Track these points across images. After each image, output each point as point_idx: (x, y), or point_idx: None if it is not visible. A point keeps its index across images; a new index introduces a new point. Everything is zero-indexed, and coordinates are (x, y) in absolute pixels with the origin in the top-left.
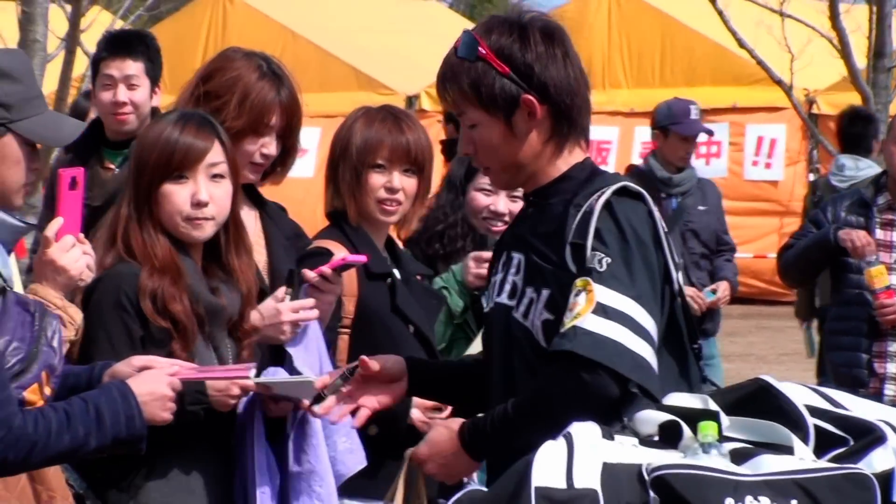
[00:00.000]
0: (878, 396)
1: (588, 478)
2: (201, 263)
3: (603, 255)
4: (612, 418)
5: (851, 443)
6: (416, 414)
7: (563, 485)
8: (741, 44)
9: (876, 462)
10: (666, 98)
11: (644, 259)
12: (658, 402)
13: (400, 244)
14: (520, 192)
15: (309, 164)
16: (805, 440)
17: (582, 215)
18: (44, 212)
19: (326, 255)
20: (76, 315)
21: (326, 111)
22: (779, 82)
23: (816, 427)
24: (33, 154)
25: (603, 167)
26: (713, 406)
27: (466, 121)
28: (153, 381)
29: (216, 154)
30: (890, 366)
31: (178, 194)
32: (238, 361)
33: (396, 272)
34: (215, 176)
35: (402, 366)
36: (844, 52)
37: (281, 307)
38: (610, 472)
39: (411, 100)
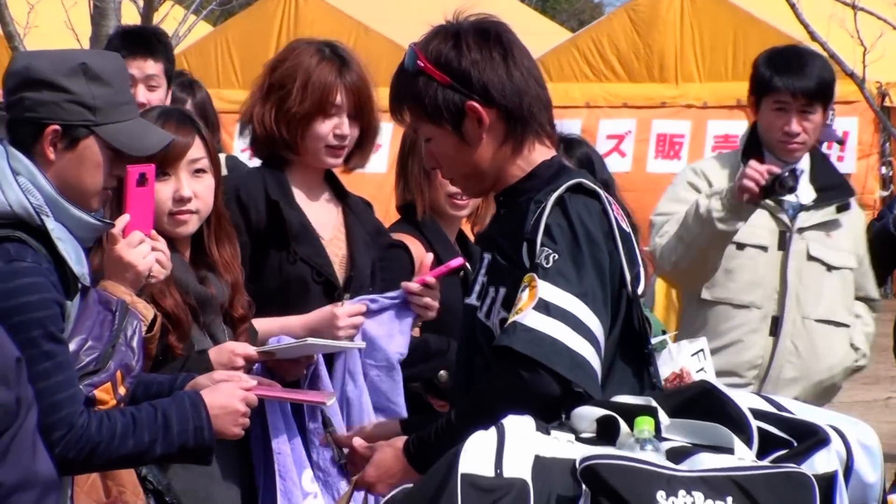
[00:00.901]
0: None
1: (518, 468)
2: (189, 256)
3: (550, 252)
4: (552, 416)
5: (795, 445)
6: (357, 441)
7: (490, 473)
8: (813, 37)
9: (818, 464)
10: (738, 91)
11: (593, 258)
12: (600, 400)
13: (472, 238)
14: None
15: (382, 159)
16: (748, 442)
17: (538, 211)
18: (114, 208)
19: (405, 253)
20: (147, 311)
21: None
22: (851, 75)
23: (760, 429)
24: (116, 160)
25: (675, 161)
26: (653, 404)
27: (422, 135)
28: (227, 394)
29: (197, 150)
30: None
31: (161, 192)
32: None
33: (468, 266)
34: (197, 171)
35: (395, 430)
36: None
37: (337, 311)
38: (542, 465)
39: None
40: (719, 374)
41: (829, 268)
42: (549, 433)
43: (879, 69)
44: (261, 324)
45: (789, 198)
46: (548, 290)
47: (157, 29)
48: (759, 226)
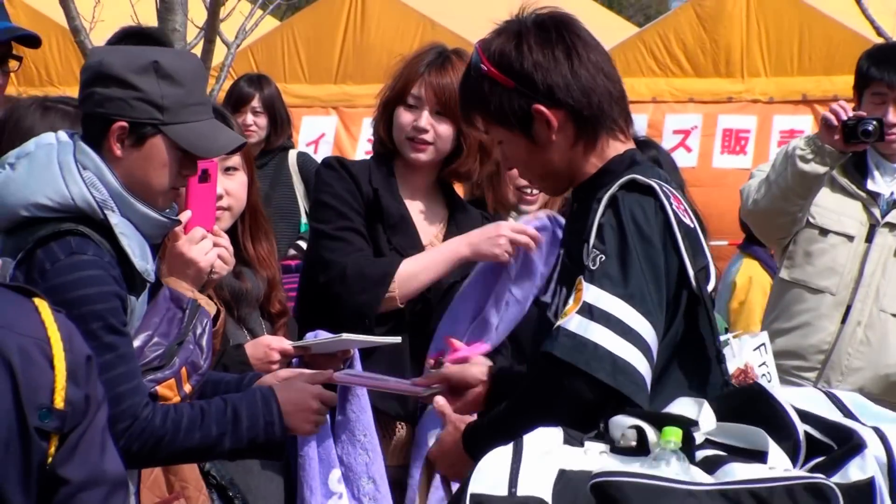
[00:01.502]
0: None
1: (535, 485)
2: None
3: (599, 253)
4: (592, 424)
5: (835, 450)
6: (440, 400)
7: (504, 492)
8: (879, 32)
9: (852, 472)
10: (804, 86)
11: (645, 257)
12: (641, 409)
13: None
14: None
15: None
16: (795, 448)
17: (595, 211)
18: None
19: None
20: (210, 306)
21: None
22: None
23: (807, 434)
24: (186, 160)
25: (741, 157)
26: (704, 411)
27: (494, 138)
28: (300, 392)
29: None
30: None
31: None
32: None
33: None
34: (229, 169)
35: (484, 372)
36: None
37: (501, 224)
38: (567, 480)
39: None
40: (786, 354)
41: None
42: (582, 444)
43: None
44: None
45: (883, 191)
46: (592, 293)
47: (154, 30)
48: (848, 215)
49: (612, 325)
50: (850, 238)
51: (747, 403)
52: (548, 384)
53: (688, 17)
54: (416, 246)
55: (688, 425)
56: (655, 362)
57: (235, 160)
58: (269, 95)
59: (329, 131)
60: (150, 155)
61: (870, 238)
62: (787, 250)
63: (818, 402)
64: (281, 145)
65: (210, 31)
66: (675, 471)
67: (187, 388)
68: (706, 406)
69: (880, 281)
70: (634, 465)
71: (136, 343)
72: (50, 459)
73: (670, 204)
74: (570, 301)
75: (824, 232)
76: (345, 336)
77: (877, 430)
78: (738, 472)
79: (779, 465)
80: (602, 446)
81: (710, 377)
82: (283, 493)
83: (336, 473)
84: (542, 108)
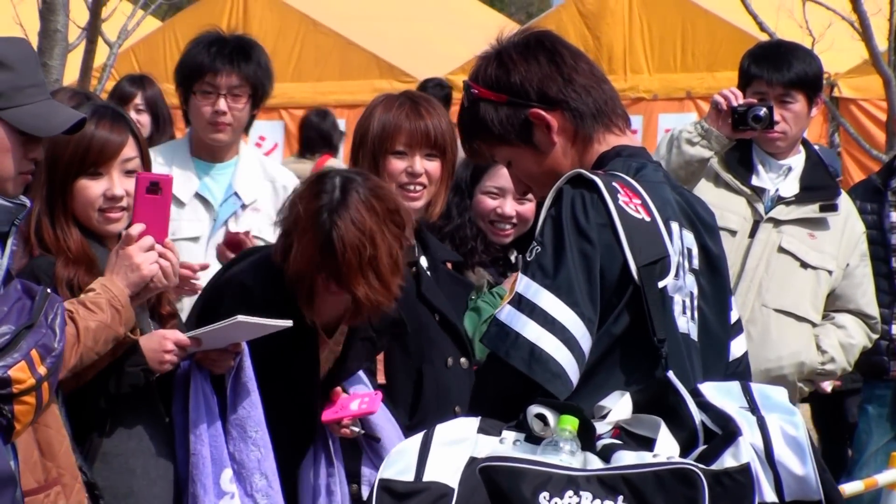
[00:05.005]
0: None
1: (442, 471)
2: None
3: (536, 245)
4: (517, 413)
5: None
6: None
7: (410, 477)
8: (762, 28)
9: (727, 460)
10: (687, 83)
11: (580, 250)
12: (557, 400)
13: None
14: (529, 196)
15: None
16: (693, 436)
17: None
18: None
19: None
20: (131, 318)
21: (347, 99)
22: None
23: (703, 423)
24: (29, 143)
25: None
26: (622, 402)
27: (502, 161)
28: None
29: (130, 149)
30: None
31: (92, 189)
32: None
33: (424, 260)
34: (129, 171)
35: None
36: (865, 35)
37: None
38: (475, 467)
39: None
40: None
41: (804, 265)
42: (499, 433)
43: (828, 60)
44: None
45: (768, 187)
46: (523, 284)
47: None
48: (731, 210)
49: (535, 316)
50: (733, 233)
51: (659, 394)
52: (480, 373)
53: (570, 14)
54: None
55: (578, 416)
56: (588, 354)
57: (136, 163)
58: (151, 95)
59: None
60: None
61: (753, 233)
62: None
63: (732, 393)
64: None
65: (92, 31)
66: (565, 457)
67: (42, 370)
68: (626, 397)
69: (763, 276)
70: (528, 452)
71: None
72: None
73: (615, 199)
74: (508, 292)
75: None
76: (240, 318)
77: (759, 419)
78: (624, 458)
79: (663, 452)
80: (518, 435)
81: (655, 371)
82: (168, 496)
83: (228, 473)
84: (539, 111)
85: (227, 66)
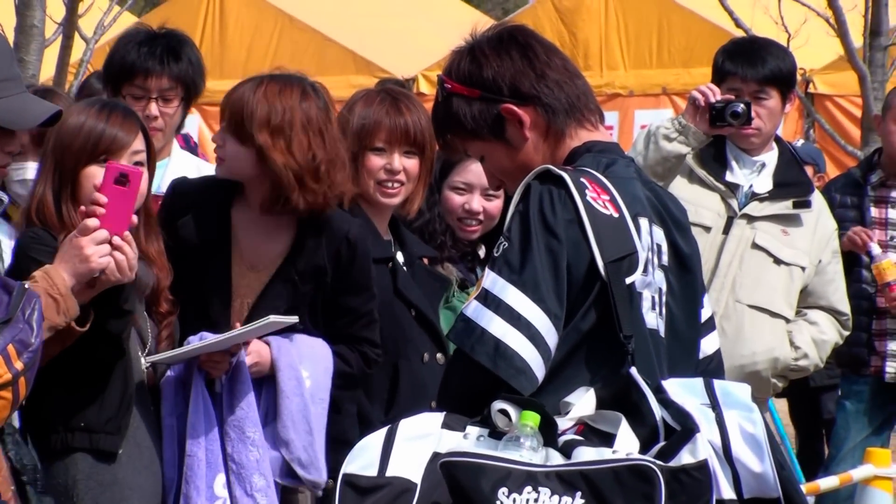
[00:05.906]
0: (878, 375)
1: (404, 466)
2: None
3: (503, 240)
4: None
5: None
6: None
7: (373, 472)
8: (738, 24)
9: (684, 456)
10: (663, 79)
11: (546, 246)
12: (521, 396)
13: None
14: (497, 192)
15: None
16: (653, 432)
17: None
18: None
19: None
20: (72, 308)
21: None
22: None
23: (664, 420)
24: (5, 137)
25: None
26: (585, 398)
27: (475, 156)
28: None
29: (139, 143)
30: (891, 344)
31: (98, 179)
32: (158, 340)
33: (400, 255)
34: (137, 164)
35: None
36: (841, 31)
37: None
38: (437, 462)
39: (408, 83)
40: None
41: (777, 261)
42: (463, 429)
43: (803, 56)
44: None
45: (742, 183)
46: (490, 279)
47: None
48: (705, 206)
49: (501, 311)
50: (707, 229)
51: (623, 390)
52: (448, 369)
53: (546, 10)
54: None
55: (539, 411)
56: (555, 350)
57: (143, 157)
58: None
59: (192, 130)
60: None
61: (727, 230)
62: None
63: (695, 390)
64: None
65: (68, 26)
66: (526, 453)
67: (18, 364)
68: (590, 393)
69: (737, 272)
70: (491, 448)
71: None
72: None
73: (583, 195)
74: (475, 288)
75: None
76: (272, 318)
77: (718, 416)
78: (583, 455)
79: (623, 448)
80: (482, 430)
81: (621, 368)
82: (153, 487)
83: (221, 479)
84: (511, 106)
85: (157, 68)
